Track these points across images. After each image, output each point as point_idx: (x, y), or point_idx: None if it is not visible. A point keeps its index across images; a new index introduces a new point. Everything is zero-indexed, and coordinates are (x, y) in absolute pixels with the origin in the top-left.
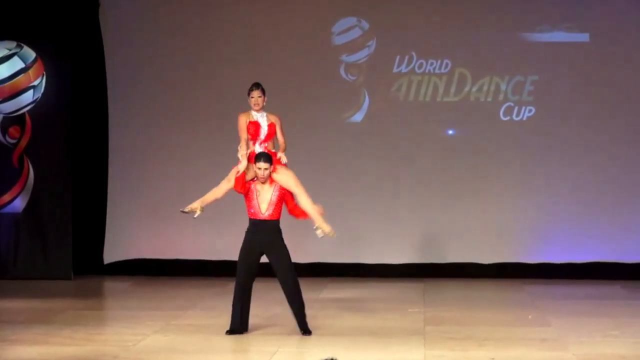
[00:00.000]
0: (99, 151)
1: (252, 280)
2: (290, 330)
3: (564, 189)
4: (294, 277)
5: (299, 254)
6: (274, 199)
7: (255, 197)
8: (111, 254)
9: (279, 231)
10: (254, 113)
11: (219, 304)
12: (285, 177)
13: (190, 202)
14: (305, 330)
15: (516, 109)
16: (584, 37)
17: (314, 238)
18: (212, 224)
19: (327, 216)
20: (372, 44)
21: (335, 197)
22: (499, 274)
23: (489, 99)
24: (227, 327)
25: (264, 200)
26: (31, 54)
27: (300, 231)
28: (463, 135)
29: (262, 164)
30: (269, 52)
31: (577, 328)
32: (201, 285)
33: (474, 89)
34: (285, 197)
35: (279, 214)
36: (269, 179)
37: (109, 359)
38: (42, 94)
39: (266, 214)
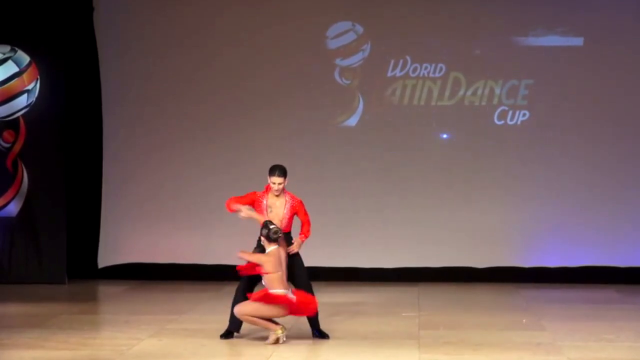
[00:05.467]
0: (93, 155)
1: (254, 286)
2: (286, 334)
3: (558, 194)
4: (309, 283)
5: None
6: (287, 215)
7: (267, 213)
8: (105, 258)
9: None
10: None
11: (213, 308)
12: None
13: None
14: (321, 333)
15: (510, 113)
16: (578, 41)
17: (308, 243)
18: (206, 228)
19: (322, 220)
20: (367, 47)
21: (329, 201)
22: (494, 278)
23: (484, 103)
24: (223, 331)
25: (277, 216)
26: (25, 58)
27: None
28: (457, 140)
29: (277, 178)
30: (263, 55)
31: (572, 332)
32: (195, 289)
33: (468, 93)
34: (295, 213)
35: (291, 225)
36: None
37: None
38: (37, 98)
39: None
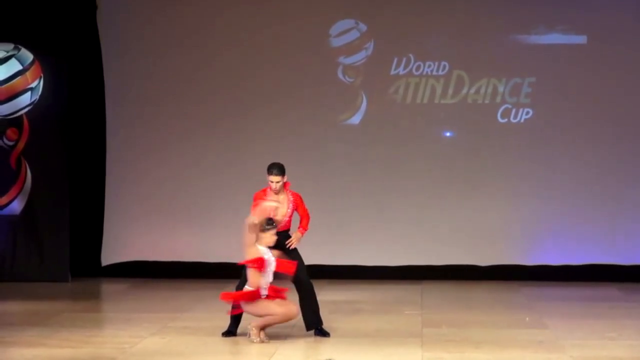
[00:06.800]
0: (96, 153)
1: None
2: (288, 332)
3: (561, 192)
4: (309, 279)
5: None
6: (290, 211)
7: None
8: (108, 256)
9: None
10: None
11: (215, 306)
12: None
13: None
14: (322, 331)
15: (514, 111)
16: (581, 39)
17: (310, 241)
18: (209, 226)
19: (324, 218)
20: (370, 46)
21: (332, 199)
22: (496, 276)
23: (487, 101)
24: (224, 329)
25: (280, 214)
26: (29, 56)
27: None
28: (460, 138)
29: (274, 177)
30: (267, 54)
31: (574, 330)
32: (198, 287)
33: (471, 91)
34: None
35: (290, 223)
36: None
37: None
38: (40, 96)
39: (282, 225)
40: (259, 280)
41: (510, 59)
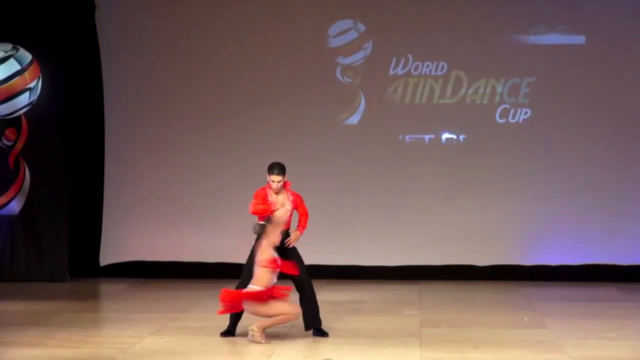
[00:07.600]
0: (95, 153)
1: None
2: (287, 332)
3: (560, 192)
4: (309, 279)
5: None
6: (290, 211)
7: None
8: (107, 256)
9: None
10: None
11: (215, 306)
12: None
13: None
14: (320, 331)
15: (512, 111)
16: (580, 39)
17: (310, 241)
18: (208, 226)
19: (323, 218)
20: (369, 46)
21: (332, 199)
22: (495, 276)
23: (485, 101)
24: (224, 329)
25: (279, 214)
26: (27, 56)
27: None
28: (459, 138)
29: (276, 177)
30: (265, 54)
31: (573, 330)
32: (197, 287)
33: (470, 91)
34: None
35: (290, 222)
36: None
37: None
38: (38, 96)
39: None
40: (270, 281)
41: (509, 59)
